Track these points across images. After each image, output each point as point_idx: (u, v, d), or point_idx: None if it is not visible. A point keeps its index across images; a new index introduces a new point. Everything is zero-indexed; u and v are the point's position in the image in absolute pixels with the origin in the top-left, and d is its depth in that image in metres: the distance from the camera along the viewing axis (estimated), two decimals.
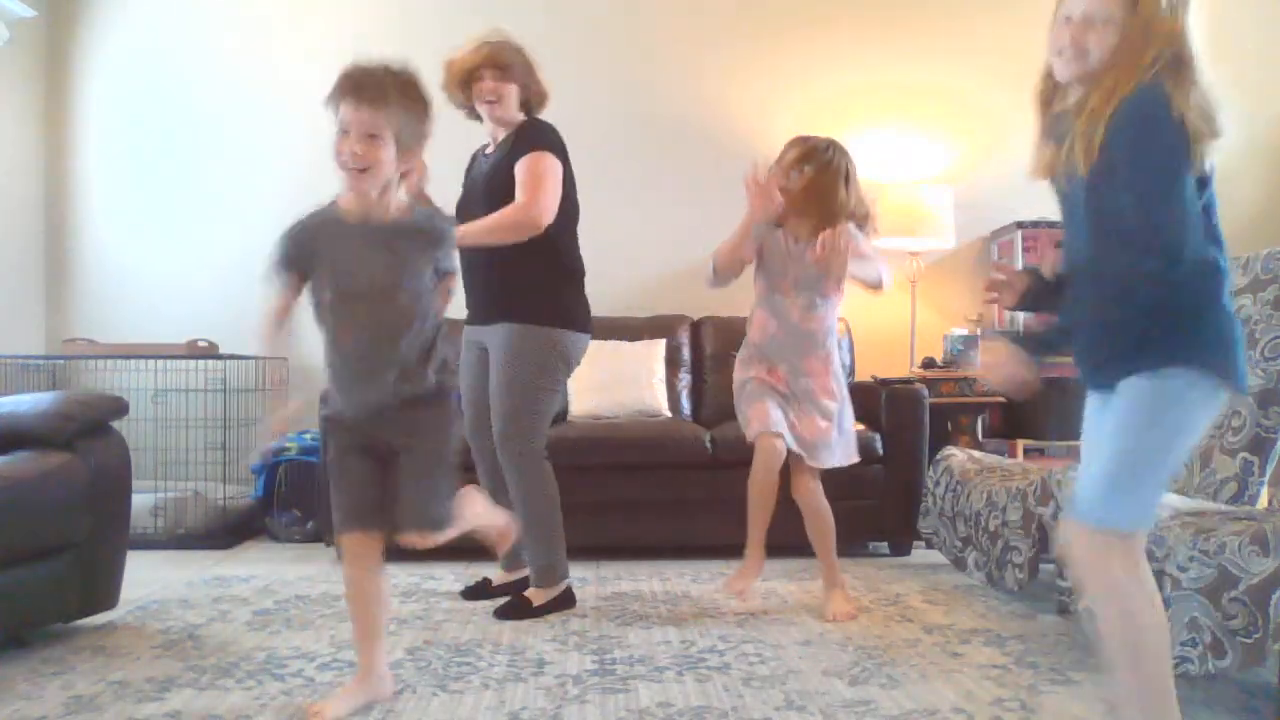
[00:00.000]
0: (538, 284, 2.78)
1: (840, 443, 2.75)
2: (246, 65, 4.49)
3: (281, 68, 4.44)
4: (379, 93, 1.89)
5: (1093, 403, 1.69)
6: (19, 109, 4.34)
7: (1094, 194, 1.54)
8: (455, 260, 2.16)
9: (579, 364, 2.90)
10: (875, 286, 2.78)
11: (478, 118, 2.90)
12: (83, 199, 4.52)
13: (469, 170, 3.00)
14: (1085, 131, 1.51)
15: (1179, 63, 1.48)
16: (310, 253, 1.97)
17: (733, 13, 4.51)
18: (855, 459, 2.79)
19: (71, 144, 4.51)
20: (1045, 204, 1.85)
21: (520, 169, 2.71)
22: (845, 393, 2.79)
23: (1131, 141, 1.46)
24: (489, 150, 2.90)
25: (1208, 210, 1.52)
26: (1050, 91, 1.64)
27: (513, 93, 2.81)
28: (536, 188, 2.69)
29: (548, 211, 2.70)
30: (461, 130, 2.86)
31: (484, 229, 2.67)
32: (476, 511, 2.18)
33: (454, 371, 2.15)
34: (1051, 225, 4.08)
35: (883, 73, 4.47)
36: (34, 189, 4.44)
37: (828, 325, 2.77)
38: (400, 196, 2.03)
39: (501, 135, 2.86)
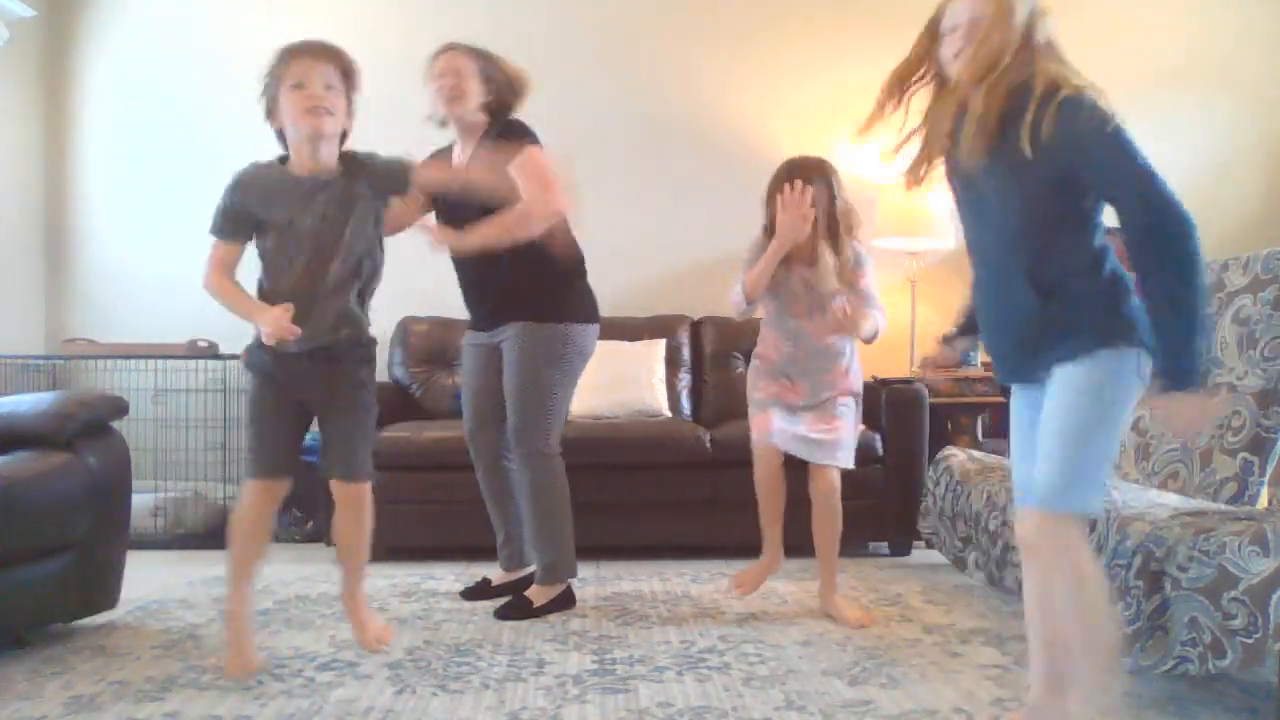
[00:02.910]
0: (543, 281, 2.77)
1: (846, 443, 2.74)
2: (246, 64, 4.46)
3: None
4: (332, 51, 2.30)
5: (1018, 400, 1.83)
6: (19, 109, 4.34)
7: (1018, 179, 1.69)
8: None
9: (593, 353, 2.89)
10: (869, 339, 2.68)
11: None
12: (83, 199, 4.51)
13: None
14: (979, 121, 1.72)
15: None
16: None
17: (732, 13, 4.50)
18: (850, 464, 2.75)
19: (71, 144, 4.51)
20: None
21: (520, 167, 2.63)
22: (859, 394, 2.83)
23: (1097, 138, 1.60)
24: (461, 154, 2.82)
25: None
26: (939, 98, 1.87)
27: (473, 92, 2.74)
28: (548, 179, 2.63)
29: (564, 199, 2.66)
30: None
31: (501, 229, 2.57)
32: None
33: None
34: None
35: (883, 73, 4.43)
36: (34, 189, 4.43)
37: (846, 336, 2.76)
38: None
39: (469, 139, 2.80)
